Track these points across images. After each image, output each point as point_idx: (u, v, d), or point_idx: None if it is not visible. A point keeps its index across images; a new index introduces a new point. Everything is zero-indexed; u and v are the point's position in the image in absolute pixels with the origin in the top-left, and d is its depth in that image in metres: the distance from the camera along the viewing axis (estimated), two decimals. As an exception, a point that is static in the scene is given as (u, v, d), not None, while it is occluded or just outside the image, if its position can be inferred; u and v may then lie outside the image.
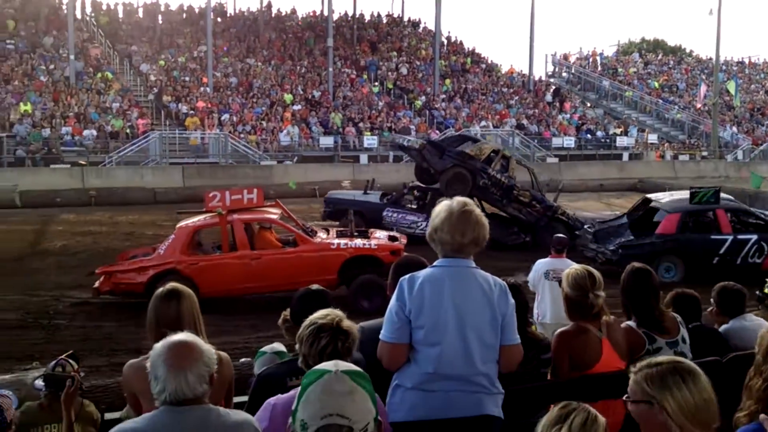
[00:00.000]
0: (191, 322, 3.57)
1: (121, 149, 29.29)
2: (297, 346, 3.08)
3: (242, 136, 32.18)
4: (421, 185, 19.40)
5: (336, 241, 12.38)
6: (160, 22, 42.28)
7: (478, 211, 3.63)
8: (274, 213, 12.45)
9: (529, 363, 4.05)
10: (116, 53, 37.35)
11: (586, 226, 16.71)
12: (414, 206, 18.62)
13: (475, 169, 18.34)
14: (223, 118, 32.99)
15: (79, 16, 37.91)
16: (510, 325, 3.56)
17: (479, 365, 3.48)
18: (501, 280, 3.68)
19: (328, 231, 13.20)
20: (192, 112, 32.93)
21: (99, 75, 34.36)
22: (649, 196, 16.58)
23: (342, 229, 13.65)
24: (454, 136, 23.05)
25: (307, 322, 3.07)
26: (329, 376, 2.21)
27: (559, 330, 4.23)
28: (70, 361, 5.05)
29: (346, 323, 3.05)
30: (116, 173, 27.13)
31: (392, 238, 13.05)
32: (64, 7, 38.15)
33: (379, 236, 13.05)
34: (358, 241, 12.42)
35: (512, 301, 3.62)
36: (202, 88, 35.22)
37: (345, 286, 11.99)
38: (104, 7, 41.83)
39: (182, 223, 12.24)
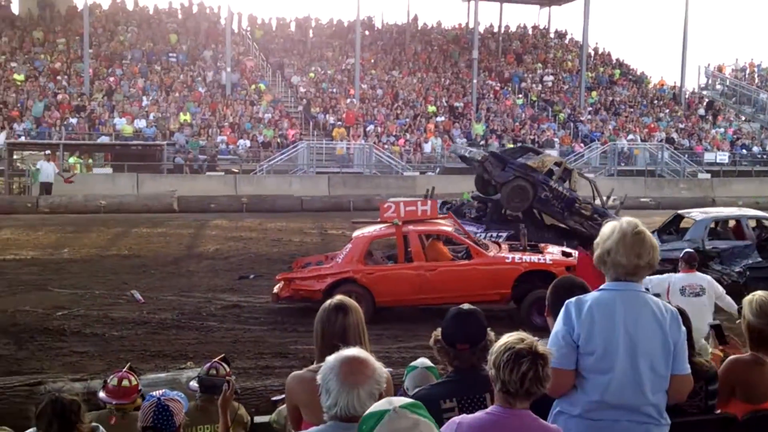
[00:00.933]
0: (357, 336, 3.58)
1: (271, 158, 30.45)
2: (491, 372, 2.96)
3: (386, 146, 32.71)
4: (482, 196, 19.30)
5: (510, 255, 12.17)
6: (311, 35, 43.67)
7: (649, 232, 3.52)
8: (447, 225, 12.55)
9: (697, 395, 3.87)
10: (269, 65, 38.86)
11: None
12: (473, 216, 18.56)
13: (537, 181, 18.03)
14: (368, 128, 33.66)
15: (236, 30, 39.67)
16: (682, 353, 3.43)
17: (649, 395, 3.36)
18: (671, 306, 3.54)
19: (498, 245, 13.06)
20: (339, 122, 33.79)
21: (253, 86, 35.87)
22: None
23: (513, 243, 13.46)
24: (515, 148, 22.86)
25: (501, 347, 2.95)
26: (390, 416, 2.22)
27: (732, 358, 4.06)
28: (223, 364, 5.32)
29: (542, 347, 2.94)
30: (266, 181, 28.22)
31: (566, 254, 12.52)
32: (222, 21, 40.09)
33: (552, 251, 12.62)
34: (533, 256, 12.16)
35: (684, 328, 3.48)
36: (349, 100, 36.08)
37: (513, 301, 11.85)
38: (259, 22, 43.61)
39: (358, 233, 12.43)
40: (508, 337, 2.97)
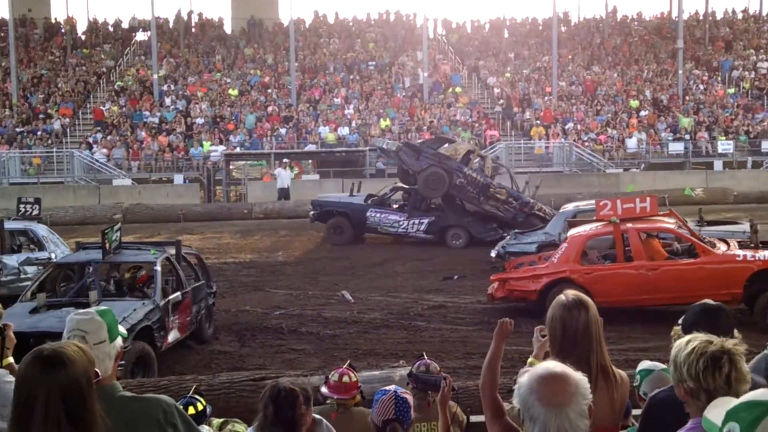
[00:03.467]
0: (597, 334, 3.34)
1: (469, 160, 30.53)
2: (687, 386, 2.70)
3: (586, 144, 31.82)
4: (405, 186, 20.24)
5: (741, 252, 11.35)
6: (506, 35, 43.38)
7: None
8: (669, 222, 11.89)
9: None
10: (465, 68, 39.03)
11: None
12: (396, 206, 19.73)
13: (451, 168, 19.07)
14: (567, 126, 32.91)
15: (431, 35, 40.20)
16: None
17: None
18: None
19: (727, 242, 12.27)
20: (537, 121, 33.31)
21: (449, 90, 36.18)
22: None
23: (743, 240, 12.63)
24: (431, 139, 23.76)
25: (689, 355, 2.69)
26: None
27: None
28: (433, 362, 5.34)
29: (730, 343, 2.68)
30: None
31: None
32: (419, 27, 40.78)
33: None
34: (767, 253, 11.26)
35: None
36: (546, 98, 35.48)
37: (744, 303, 11.06)
38: (454, 26, 43.94)
39: (574, 232, 12.14)
40: (690, 344, 2.70)
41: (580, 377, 2.37)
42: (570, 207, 16.45)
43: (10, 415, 2.26)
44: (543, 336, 3.66)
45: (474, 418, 5.73)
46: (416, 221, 19.11)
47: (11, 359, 3.41)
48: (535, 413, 2.30)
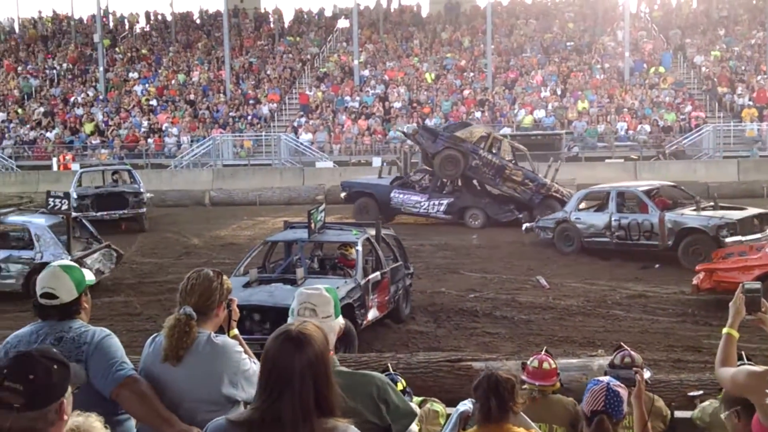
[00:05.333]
0: None
1: (673, 143, 29.13)
2: None
3: (807, 126, 29.40)
4: (427, 168, 20.94)
5: None
6: (717, 9, 40.75)
7: None
8: None
9: None
10: (669, 46, 37.15)
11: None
12: (421, 187, 20.51)
13: (467, 150, 19.82)
14: (785, 107, 30.54)
15: (633, 11, 38.58)
16: None
17: None
18: None
19: None
20: (749, 102, 31.12)
21: (652, 70, 34.60)
22: None
23: None
24: (454, 123, 24.58)
25: None
26: None
27: None
28: (634, 354, 5.15)
29: None
30: (669, 167, 27.00)
31: None
32: (620, 5, 39.26)
33: None
34: None
35: None
36: (759, 77, 33.03)
37: None
38: (658, 1, 41.85)
39: None
40: None
41: None
42: (596, 188, 17.41)
43: (259, 390, 2.37)
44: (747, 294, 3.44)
45: (679, 414, 5.55)
46: (436, 202, 20.09)
47: (236, 330, 3.69)
48: None
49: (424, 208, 20.23)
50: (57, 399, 2.33)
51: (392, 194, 20.43)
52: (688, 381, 6.81)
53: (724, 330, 3.55)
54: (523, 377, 5.17)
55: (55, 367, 2.35)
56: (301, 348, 2.34)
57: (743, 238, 13.44)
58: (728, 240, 13.47)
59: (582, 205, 16.49)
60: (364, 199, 20.53)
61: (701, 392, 6.34)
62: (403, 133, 24.25)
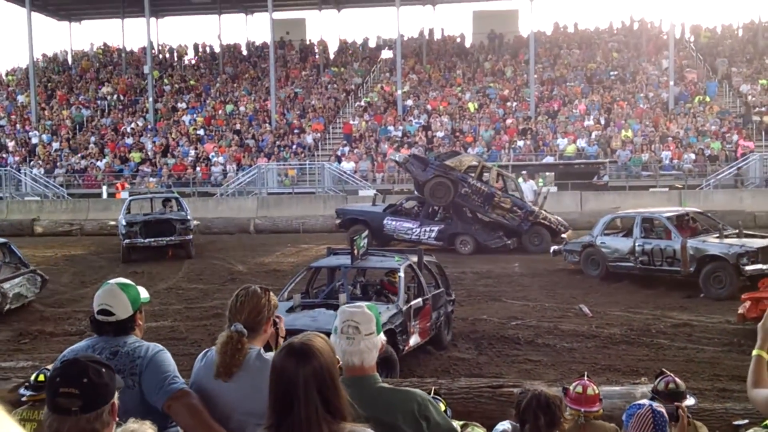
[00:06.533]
0: None
1: (719, 172, 28.81)
2: None
3: None
4: (419, 196, 21.62)
5: None
6: (763, 38, 40.30)
7: None
8: None
9: None
10: (714, 75, 36.82)
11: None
12: (412, 214, 21.26)
13: (456, 178, 20.42)
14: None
15: (678, 39, 38.37)
16: None
17: None
18: None
19: None
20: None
21: (697, 98, 34.31)
22: None
23: None
24: (445, 153, 24.98)
25: None
26: None
27: None
28: (675, 378, 5.13)
29: None
30: (713, 196, 26.72)
31: None
32: (664, 33, 39.09)
33: None
34: None
35: None
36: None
37: None
38: (704, 29, 41.54)
39: None
40: None
41: None
42: (621, 213, 17.95)
43: (270, 405, 2.46)
44: None
45: (721, 440, 5.53)
46: (427, 228, 20.69)
47: None
48: None
49: (416, 235, 20.83)
50: (109, 400, 2.47)
51: (385, 221, 21.18)
52: (733, 410, 6.76)
53: (754, 352, 3.60)
54: (566, 403, 5.18)
55: (104, 369, 2.50)
56: (303, 360, 2.42)
57: (764, 267, 13.39)
58: (748, 268, 13.45)
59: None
60: (358, 226, 20.80)
61: (746, 421, 6.29)
62: (395, 161, 24.91)
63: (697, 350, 10.71)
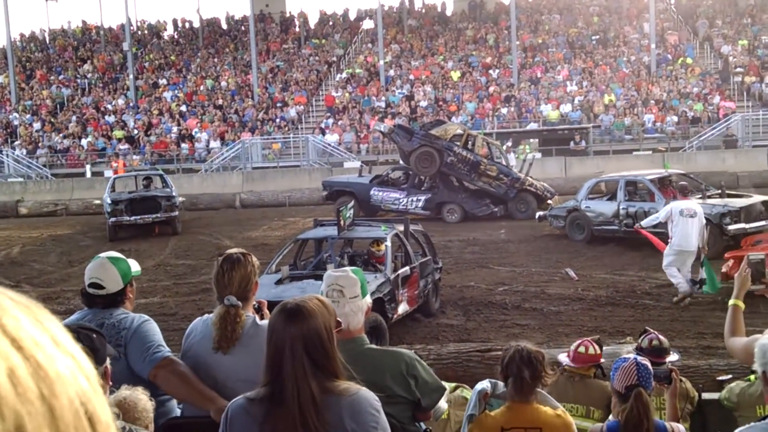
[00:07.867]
0: None
1: (701, 134, 28.95)
2: None
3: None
4: (405, 166, 21.52)
5: None
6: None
7: None
8: None
9: None
10: (695, 37, 36.87)
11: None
12: (398, 184, 21.20)
13: (442, 147, 20.33)
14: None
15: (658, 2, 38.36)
16: None
17: None
18: None
19: None
20: (777, 91, 30.89)
21: (679, 61, 34.38)
22: None
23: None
24: (430, 122, 24.72)
25: None
26: None
27: None
28: (660, 336, 5.21)
29: None
30: (696, 158, 26.89)
31: None
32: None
33: None
34: None
35: None
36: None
37: None
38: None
39: None
40: None
41: None
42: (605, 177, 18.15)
43: (266, 364, 2.50)
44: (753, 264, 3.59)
45: (706, 395, 5.64)
46: (414, 198, 20.69)
47: None
48: None
49: (403, 205, 20.78)
50: (102, 363, 2.53)
51: (372, 192, 21.10)
52: (717, 366, 6.87)
53: (731, 301, 3.67)
54: (564, 360, 5.24)
55: (94, 335, 2.55)
56: (291, 320, 2.44)
57: (747, 226, 13.55)
58: (731, 228, 13.61)
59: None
60: (345, 197, 20.73)
61: (730, 376, 6.40)
62: (380, 131, 24.98)
63: (681, 309, 10.87)
